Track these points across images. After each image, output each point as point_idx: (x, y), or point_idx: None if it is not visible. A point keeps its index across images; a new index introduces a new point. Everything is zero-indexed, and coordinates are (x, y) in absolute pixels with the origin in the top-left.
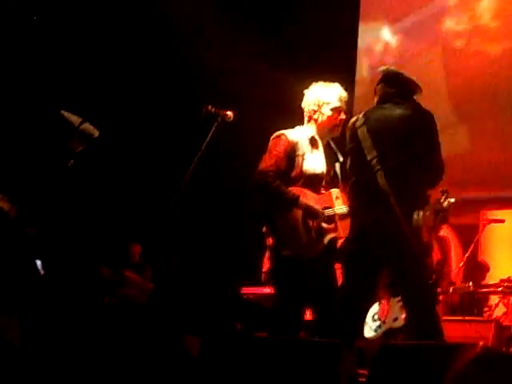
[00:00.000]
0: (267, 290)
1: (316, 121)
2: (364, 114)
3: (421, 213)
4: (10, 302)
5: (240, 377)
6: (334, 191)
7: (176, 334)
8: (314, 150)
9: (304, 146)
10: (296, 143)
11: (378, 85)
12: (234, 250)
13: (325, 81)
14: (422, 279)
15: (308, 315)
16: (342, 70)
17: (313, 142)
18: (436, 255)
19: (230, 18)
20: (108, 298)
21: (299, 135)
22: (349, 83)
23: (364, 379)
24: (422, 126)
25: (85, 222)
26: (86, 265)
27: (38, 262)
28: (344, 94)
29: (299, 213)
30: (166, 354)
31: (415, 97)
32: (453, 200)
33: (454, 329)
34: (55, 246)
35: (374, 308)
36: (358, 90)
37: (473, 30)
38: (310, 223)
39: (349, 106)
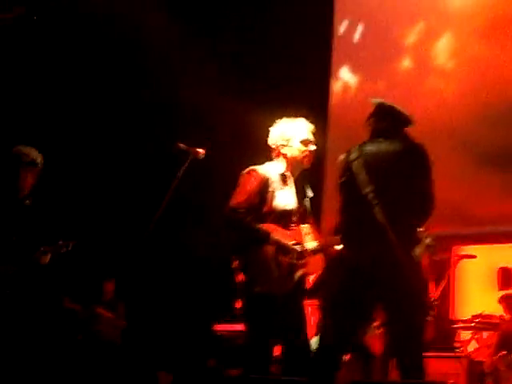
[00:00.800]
0: (240, 327)
1: (285, 156)
2: (358, 148)
3: (417, 249)
4: None
5: None
6: (304, 227)
7: (149, 370)
8: (285, 187)
9: (274, 182)
10: (267, 179)
11: (370, 118)
12: (206, 287)
13: (297, 117)
14: (419, 316)
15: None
16: (314, 107)
17: (283, 179)
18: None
19: (203, 52)
20: (81, 336)
21: (269, 171)
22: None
23: None
24: (416, 161)
25: (57, 258)
26: (55, 302)
27: None
28: (310, 126)
29: (270, 249)
30: None
31: (407, 128)
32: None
33: (428, 365)
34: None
35: None
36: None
37: (430, 70)
38: (281, 259)
39: (321, 143)
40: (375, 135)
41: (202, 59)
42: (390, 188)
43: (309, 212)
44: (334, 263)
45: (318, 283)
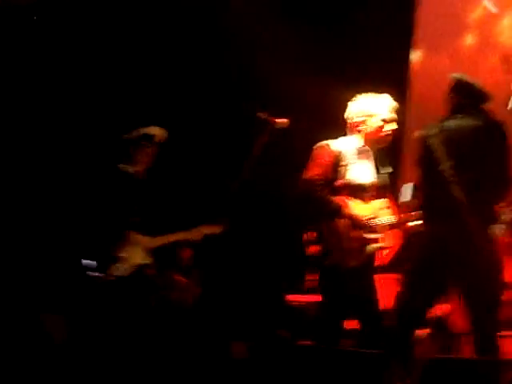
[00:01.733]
0: (312, 298)
1: (363, 132)
2: (438, 124)
3: (495, 226)
4: (57, 302)
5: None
6: (382, 201)
7: (222, 339)
8: (361, 160)
9: (348, 157)
10: (339, 153)
11: (449, 93)
12: (279, 258)
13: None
14: (492, 295)
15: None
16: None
17: (360, 152)
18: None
19: (285, 22)
20: (154, 301)
21: (343, 146)
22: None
23: None
24: (495, 138)
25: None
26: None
27: (89, 263)
28: (394, 104)
29: (344, 222)
30: (210, 357)
31: (486, 105)
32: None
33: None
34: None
35: None
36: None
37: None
38: (354, 233)
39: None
40: (455, 111)
41: (284, 33)
42: (468, 164)
43: (387, 187)
44: (413, 238)
45: (397, 257)
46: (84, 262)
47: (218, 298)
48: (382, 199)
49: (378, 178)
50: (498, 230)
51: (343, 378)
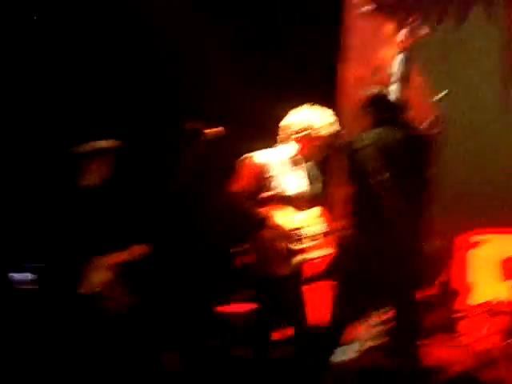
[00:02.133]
0: (243, 308)
1: (301, 142)
2: (366, 135)
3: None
4: None
5: None
6: (315, 210)
7: (155, 351)
8: (290, 171)
9: (275, 168)
10: (264, 165)
11: (367, 108)
12: (210, 268)
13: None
14: (415, 306)
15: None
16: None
17: (289, 163)
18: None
19: (217, 28)
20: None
21: (269, 157)
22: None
23: None
24: (422, 149)
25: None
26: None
27: (17, 275)
28: (333, 118)
29: (269, 233)
30: (144, 369)
31: (405, 116)
32: None
33: (432, 354)
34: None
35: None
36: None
37: None
38: (280, 244)
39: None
40: (378, 123)
41: (216, 41)
42: (398, 175)
43: (320, 195)
44: (346, 248)
45: (331, 266)
46: (16, 275)
47: (150, 308)
48: (315, 208)
49: (311, 187)
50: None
51: None
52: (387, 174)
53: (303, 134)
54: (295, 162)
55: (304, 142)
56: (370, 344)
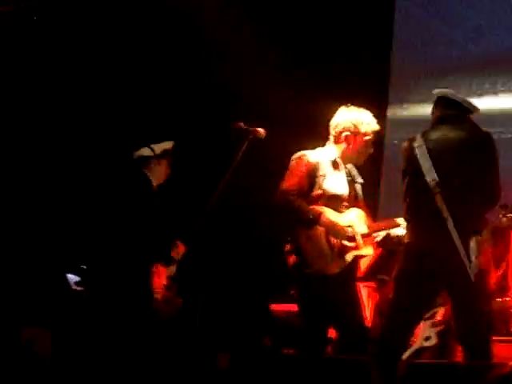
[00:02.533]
0: (295, 308)
1: (343, 144)
2: (422, 135)
3: (479, 237)
4: (43, 314)
5: None
6: (355, 211)
7: (206, 349)
8: (336, 172)
9: (325, 167)
10: (317, 164)
11: (433, 108)
12: (264, 267)
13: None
14: (479, 309)
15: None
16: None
17: (335, 164)
18: (495, 274)
19: (264, 33)
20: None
21: (320, 156)
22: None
23: None
24: (480, 149)
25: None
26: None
27: (72, 277)
28: (377, 126)
29: (322, 230)
30: (196, 368)
31: (472, 116)
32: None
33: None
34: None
35: None
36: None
37: None
38: (333, 241)
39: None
40: (439, 123)
41: (268, 40)
42: (452, 176)
43: (359, 197)
44: (398, 249)
45: (374, 267)
46: (68, 276)
47: (201, 308)
48: (356, 209)
49: (351, 188)
50: (485, 238)
51: None
52: (434, 175)
53: (349, 132)
54: (336, 164)
55: (350, 140)
56: (424, 344)
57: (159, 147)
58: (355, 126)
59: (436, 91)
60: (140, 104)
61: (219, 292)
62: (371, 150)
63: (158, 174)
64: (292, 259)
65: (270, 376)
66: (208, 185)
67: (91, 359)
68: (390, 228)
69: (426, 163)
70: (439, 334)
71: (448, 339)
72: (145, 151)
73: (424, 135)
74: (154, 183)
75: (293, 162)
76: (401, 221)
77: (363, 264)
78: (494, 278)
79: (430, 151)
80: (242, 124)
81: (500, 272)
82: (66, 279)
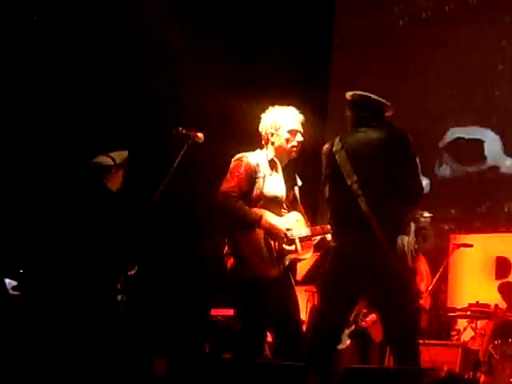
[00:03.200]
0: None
1: (274, 144)
2: (340, 139)
3: (405, 237)
4: None
5: None
6: (295, 214)
7: (144, 354)
8: (274, 173)
9: (264, 169)
10: (256, 165)
11: (348, 110)
12: (202, 271)
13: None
14: (408, 304)
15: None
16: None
17: (272, 165)
18: (421, 278)
19: (202, 41)
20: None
21: (259, 158)
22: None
23: None
24: (398, 149)
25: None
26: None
27: (9, 281)
28: (300, 116)
29: (261, 233)
30: (133, 374)
31: (387, 115)
32: (428, 214)
33: (423, 353)
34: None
35: None
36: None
37: None
38: (272, 243)
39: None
40: (357, 125)
41: (200, 49)
42: (373, 177)
43: (298, 200)
44: (327, 251)
45: (313, 270)
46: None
47: (139, 312)
48: (294, 212)
49: (290, 191)
50: (410, 238)
51: None
52: (355, 178)
53: (272, 134)
54: (272, 165)
55: (276, 143)
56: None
57: (119, 156)
58: (273, 124)
59: (348, 94)
60: (79, 111)
61: (156, 296)
62: (294, 147)
63: (116, 182)
64: (230, 262)
65: (208, 382)
66: (149, 189)
67: (28, 362)
68: (328, 233)
69: (346, 166)
70: (350, 335)
71: (360, 339)
72: (105, 160)
73: (342, 139)
74: (113, 190)
75: (233, 164)
76: None
77: (303, 268)
78: (429, 280)
79: (349, 154)
80: (181, 129)
81: (437, 276)
82: (3, 283)
